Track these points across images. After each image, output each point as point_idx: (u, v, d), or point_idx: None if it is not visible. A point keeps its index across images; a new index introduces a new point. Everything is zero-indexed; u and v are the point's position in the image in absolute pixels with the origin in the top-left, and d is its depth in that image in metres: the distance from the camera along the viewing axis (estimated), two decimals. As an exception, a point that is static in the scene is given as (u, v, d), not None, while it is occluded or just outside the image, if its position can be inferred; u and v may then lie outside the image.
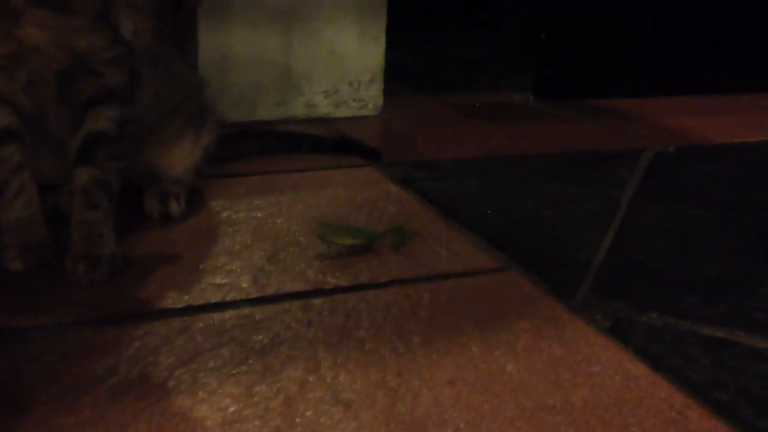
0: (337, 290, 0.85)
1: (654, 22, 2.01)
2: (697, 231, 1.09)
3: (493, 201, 1.17)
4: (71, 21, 0.82)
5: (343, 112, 1.65)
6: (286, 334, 0.76)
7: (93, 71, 0.86)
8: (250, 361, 0.70)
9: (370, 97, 1.67)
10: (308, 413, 0.64)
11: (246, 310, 0.80)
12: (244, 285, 0.85)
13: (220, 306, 0.80)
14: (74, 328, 0.75)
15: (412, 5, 2.78)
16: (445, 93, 1.97)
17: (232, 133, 1.32)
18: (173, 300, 0.80)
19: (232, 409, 0.64)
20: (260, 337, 0.75)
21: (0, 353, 0.70)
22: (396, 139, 1.51)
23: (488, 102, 1.91)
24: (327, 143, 1.36)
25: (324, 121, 1.60)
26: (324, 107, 1.63)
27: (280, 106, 1.60)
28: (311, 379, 0.68)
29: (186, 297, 0.81)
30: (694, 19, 2.04)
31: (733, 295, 0.89)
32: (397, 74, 2.17)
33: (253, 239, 0.97)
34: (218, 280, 0.86)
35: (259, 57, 1.55)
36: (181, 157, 1.02)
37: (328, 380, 0.68)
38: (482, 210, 1.13)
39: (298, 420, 0.63)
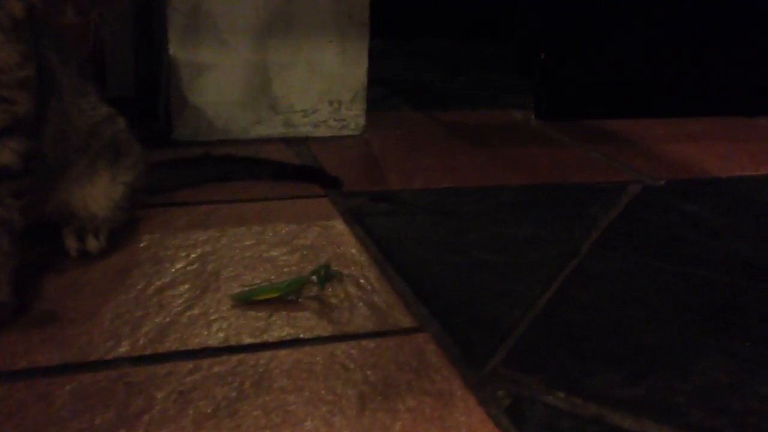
0: (231, 350, 0.81)
1: (659, 42, 1.91)
2: (650, 289, 1.02)
3: (439, 242, 1.12)
4: None
5: (323, 131, 1.61)
6: (159, 398, 0.72)
7: (2, 97, 0.82)
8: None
9: (352, 117, 1.62)
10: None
11: (126, 369, 0.76)
12: (140, 341, 0.82)
13: (97, 365, 0.77)
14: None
15: (416, 15, 2.74)
16: (439, 109, 1.91)
17: (192, 158, 1.30)
18: (47, 356, 0.78)
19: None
20: (138, 401, 0.71)
21: None
22: (367, 165, 1.47)
23: (484, 121, 1.84)
24: (288, 170, 1.32)
25: (302, 141, 1.56)
26: (302, 127, 1.59)
27: (256, 125, 1.56)
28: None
29: (64, 353, 0.78)
30: (706, 38, 1.93)
31: (660, 373, 0.82)
32: (393, 86, 2.13)
33: (171, 283, 0.94)
34: (109, 333, 0.83)
35: (233, 75, 1.52)
36: (97, 196, 0.99)
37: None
38: (424, 253, 1.08)
39: None
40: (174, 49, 1.47)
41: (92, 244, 0.98)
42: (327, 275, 0.93)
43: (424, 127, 1.75)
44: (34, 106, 0.85)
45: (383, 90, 2.07)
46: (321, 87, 1.58)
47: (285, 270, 0.99)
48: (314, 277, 0.93)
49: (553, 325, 0.91)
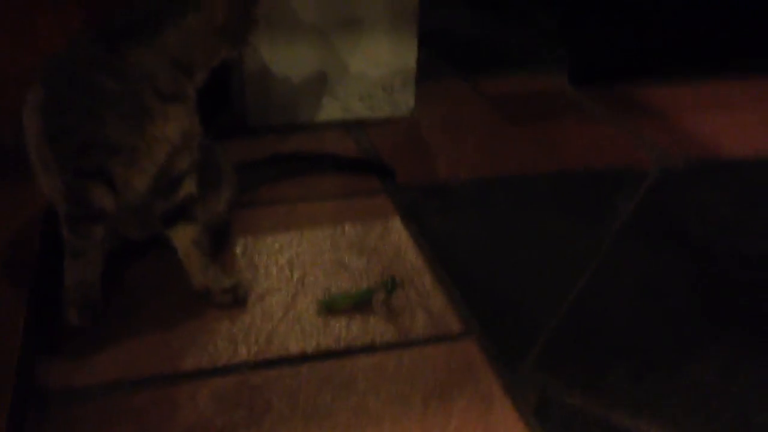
0: (323, 356, 1.06)
1: (697, 3, 2.01)
2: (666, 282, 1.23)
3: (483, 241, 1.34)
4: (185, 105, 1.04)
5: (378, 114, 1.80)
6: (275, 400, 0.98)
7: (190, 148, 1.09)
8: None
9: (403, 100, 1.81)
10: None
11: (247, 374, 1.02)
12: (253, 347, 1.07)
13: (226, 370, 1.02)
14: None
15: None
16: (483, 76, 2.07)
17: (264, 159, 1.51)
18: (187, 361, 1.03)
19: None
20: (260, 402, 0.97)
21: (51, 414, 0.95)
22: (417, 149, 1.66)
23: (522, 90, 2.00)
24: (345, 163, 1.53)
25: (359, 125, 1.76)
26: (359, 111, 1.79)
27: (318, 110, 1.76)
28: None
29: (199, 359, 1.04)
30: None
31: (663, 370, 1.05)
32: (438, 45, 2.27)
33: (269, 290, 1.18)
34: (228, 340, 1.08)
35: (298, 67, 1.71)
36: (207, 213, 1.22)
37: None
38: (471, 254, 1.30)
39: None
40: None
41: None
42: (393, 286, 1.16)
43: (468, 102, 1.93)
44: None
45: (427, 52, 2.23)
46: (375, 74, 1.77)
47: (357, 275, 1.23)
48: (383, 287, 1.16)
49: (577, 323, 1.14)
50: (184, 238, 1.13)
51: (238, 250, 1.28)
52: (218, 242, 1.27)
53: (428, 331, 1.11)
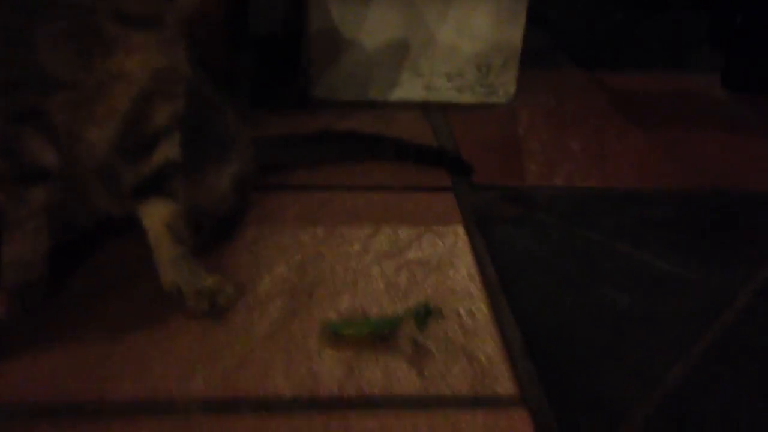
0: (303, 405, 0.75)
1: None
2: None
3: (566, 271, 0.98)
4: (160, 35, 0.76)
5: (467, 98, 1.47)
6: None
7: (169, 93, 0.81)
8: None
9: (500, 84, 1.47)
10: None
11: (195, 415, 0.72)
12: (215, 377, 0.77)
13: (168, 406, 0.73)
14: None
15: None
16: (608, 67, 1.70)
17: (312, 134, 1.22)
18: (124, 391, 0.75)
19: None
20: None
21: None
22: (507, 146, 1.32)
23: (657, 88, 1.62)
24: (412, 152, 1.22)
25: (442, 108, 1.44)
26: (445, 91, 1.47)
27: (394, 87, 1.45)
28: None
29: (142, 384, 0.75)
30: None
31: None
32: (562, 33, 1.92)
33: (264, 299, 0.89)
34: (186, 362, 0.79)
35: (374, 32, 1.41)
36: (203, 190, 0.94)
37: None
38: (545, 286, 0.95)
39: None
40: (311, 3, 1.38)
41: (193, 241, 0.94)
42: (426, 317, 0.84)
43: (583, 95, 1.56)
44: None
45: (548, 39, 1.88)
46: (469, 50, 1.44)
47: (389, 292, 0.91)
48: (412, 318, 0.84)
49: (676, 418, 0.77)
50: (155, 218, 0.85)
51: (244, 241, 1.00)
52: (220, 230, 0.99)
53: (464, 388, 0.78)
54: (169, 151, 0.84)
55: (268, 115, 1.35)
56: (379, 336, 0.83)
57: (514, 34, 1.44)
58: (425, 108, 1.43)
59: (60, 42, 0.72)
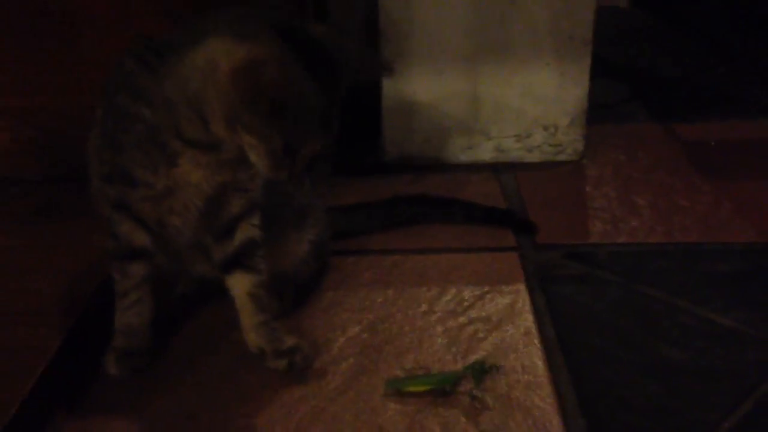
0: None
1: None
2: None
3: (623, 329, 1.02)
4: (220, 156, 0.86)
5: (536, 157, 1.54)
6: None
7: (241, 189, 0.93)
8: None
9: (569, 142, 1.53)
10: None
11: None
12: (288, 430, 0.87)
13: None
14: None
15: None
16: (684, 118, 1.73)
17: (383, 201, 1.32)
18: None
19: None
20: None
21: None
22: (572, 204, 1.38)
23: (733, 137, 1.63)
24: (478, 213, 1.29)
25: (512, 168, 1.51)
26: (514, 152, 1.54)
27: (466, 150, 1.54)
28: None
29: (227, 435, 0.85)
30: None
31: None
32: (639, 81, 1.95)
33: (336, 358, 0.98)
34: (267, 417, 0.88)
35: (444, 101, 1.50)
36: (286, 256, 1.05)
37: None
38: (602, 343, 1.00)
39: None
40: (383, 79, 1.49)
41: (274, 307, 1.04)
42: (482, 372, 0.91)
43: (655, 148, 1.60)
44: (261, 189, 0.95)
45: (624, 89, 1.92)
46: (535, 111, 1.51)
47: (451, 350, 0.98)
48: (469, 372, 0.91)
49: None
50: (239, 287, 0.96)
51: (322, 305, 1.09)
52: (301, 293, 1.10)
53: (518, 441, 0.84)
54: (248, 232, 0.95)
55: (347, 181, 1.46)
56: (440, 391, 0.91)
57: (579, 92, 1.50)
58: (495, 169, 1.51)
59: (134, 148, 0.85)
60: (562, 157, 1.54)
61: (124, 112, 0.86)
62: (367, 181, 1.47)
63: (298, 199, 1.06)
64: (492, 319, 1.05)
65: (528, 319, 1.04)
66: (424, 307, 1.08)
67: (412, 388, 0.91)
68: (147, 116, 0.84)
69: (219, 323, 1.04)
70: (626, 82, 1.97)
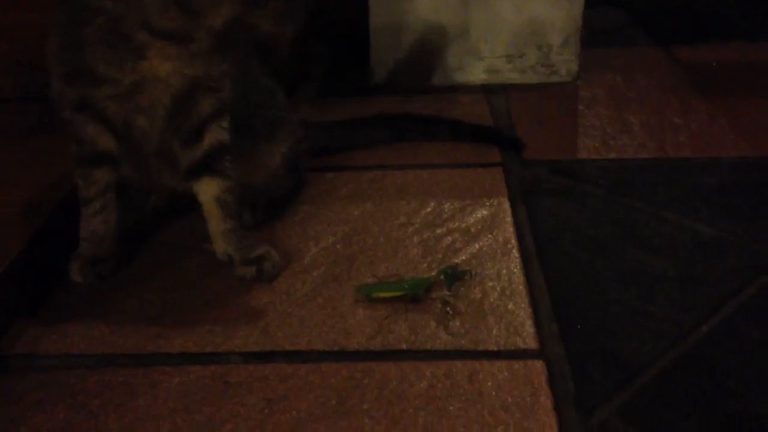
0: (333, 355, 0.81)
1: None
2: None
3: (602, 238, 0.99)
4: (191, 48, 0.83)
5: (529, 78, 1.49)
6: (248, 404, 0.75)
7: (211, 88, 0.89)
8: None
9: (562, 62, 1.48)
10: None
11: (231, 366, 0.80)
12: (255, 334, 0.85)
13: (209, 358, 0.81)
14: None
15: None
16: (686, 42, 1.67)
17: (367, 118, 1.28)
18: (172, 343, 0.83)
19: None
20: (229, 404, 0.75)
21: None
22: (563, 123, 1.34)
23: (734, 59, 1.58)
24: (464, 130, 1.25)
25: (503, 89, 1.47)
26: (507, 73, 1.49)
27: (456, 72, 1.50)
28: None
29: (186, 340, 0.84)
30: None
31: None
32: (640, 9, 1.89)
33: (307, 267, 0.96)
34: (231, 321, 0.86)
35: (434, 20, 1.45)
36: (255, 169, 1.02)
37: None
38: (579, 252, 0.97)
39: None
40: (373, -6, 1.44)
41: (246, 218, 1.02)
42: (453, 278, 0.88)
43: (653, 71, 1.55)
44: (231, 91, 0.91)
45: (624, 15, 1.86)
46: (528, 30, 1.46)
47: (427, 259, 0.96)
48: (442, 276, 0.89)
49: (694, 371, 0.77)
50: (207, 193, 0.93)
51: (297, 217, 1.07)
52: (276, 207, 1.07)
53: (490, 344, 0.81)
54: (218, 134, 0.92)
55: (334, 103, 1.42)
56: (411, 297, 0.88)
57: (574, 10, 1.44)
58: (487, 90, 1.47)
59: (96, 43, 0.81)
60: (555, 79, 1.49)
61: (84, 5, 0.82)
62: (354, 102, 1.43)
63: (270, 110, 1.03)
64: (471, 230, 1.02)
65: (508, 231, 1.01)
66: (401, 220, 1.05)
67: (382, 294, 0.89)
68: (108, 7, 0.80)
69: (189, 236, 1.01)
70: (626, 7, 1.91)
